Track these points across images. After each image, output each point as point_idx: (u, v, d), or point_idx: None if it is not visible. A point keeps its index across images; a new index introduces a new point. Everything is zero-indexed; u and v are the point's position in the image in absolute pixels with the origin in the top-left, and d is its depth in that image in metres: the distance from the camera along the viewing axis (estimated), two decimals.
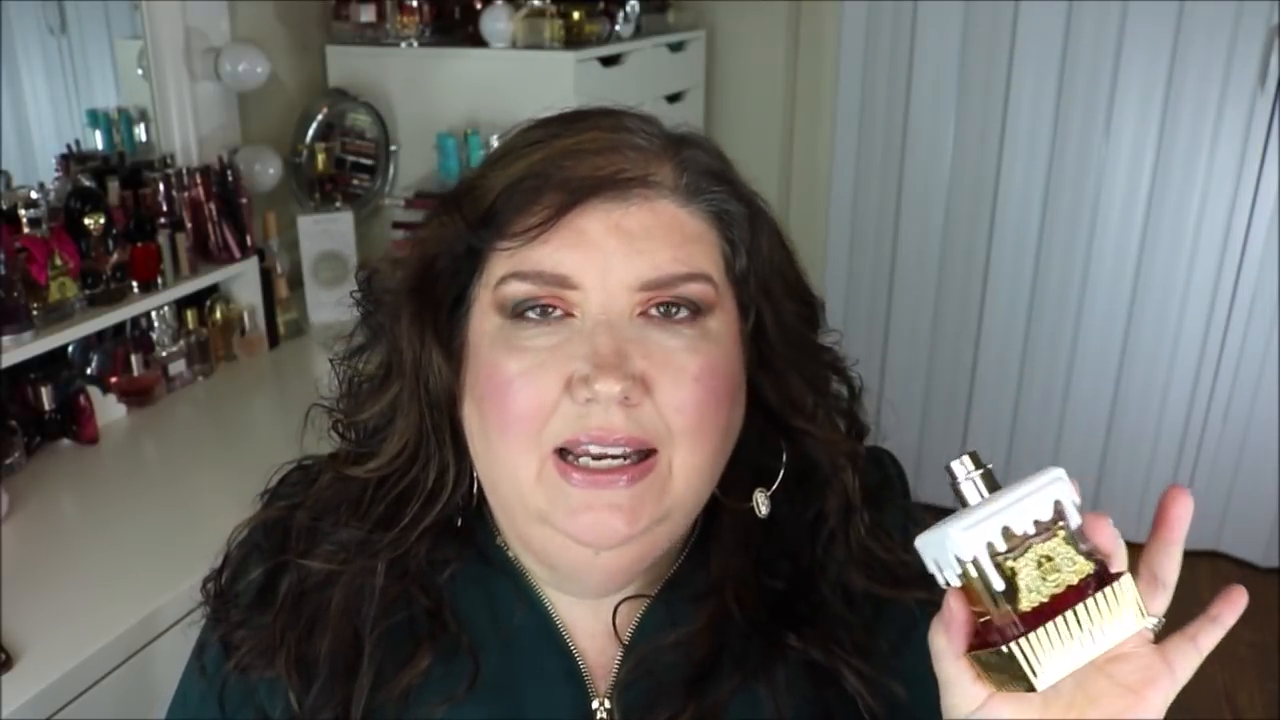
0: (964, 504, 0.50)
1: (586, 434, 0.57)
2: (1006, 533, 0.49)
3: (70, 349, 1.62)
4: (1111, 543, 0.50)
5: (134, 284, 1.64)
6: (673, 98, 2.47)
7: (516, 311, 0.60)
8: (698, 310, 0.61)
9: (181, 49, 1.81)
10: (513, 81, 2.04)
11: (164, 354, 1.74)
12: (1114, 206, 2.57)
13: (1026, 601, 0.48)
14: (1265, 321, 2.52)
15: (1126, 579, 0.49)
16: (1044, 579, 0.49)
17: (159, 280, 1.68)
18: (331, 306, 1.93)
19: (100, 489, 1.47)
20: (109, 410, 1.63)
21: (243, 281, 1.88)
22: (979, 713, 0.50)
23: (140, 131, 1.85)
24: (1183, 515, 0.52)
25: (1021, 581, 0.49)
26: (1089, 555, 0.50)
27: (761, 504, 0.66)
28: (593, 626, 0.67)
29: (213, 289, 1.85)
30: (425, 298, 0.64)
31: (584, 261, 0.59)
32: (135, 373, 1.69)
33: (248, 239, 1.85)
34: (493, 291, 0.61)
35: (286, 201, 2.08)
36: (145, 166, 1.77)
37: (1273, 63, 2.33)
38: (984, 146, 2.64)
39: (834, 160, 2.78)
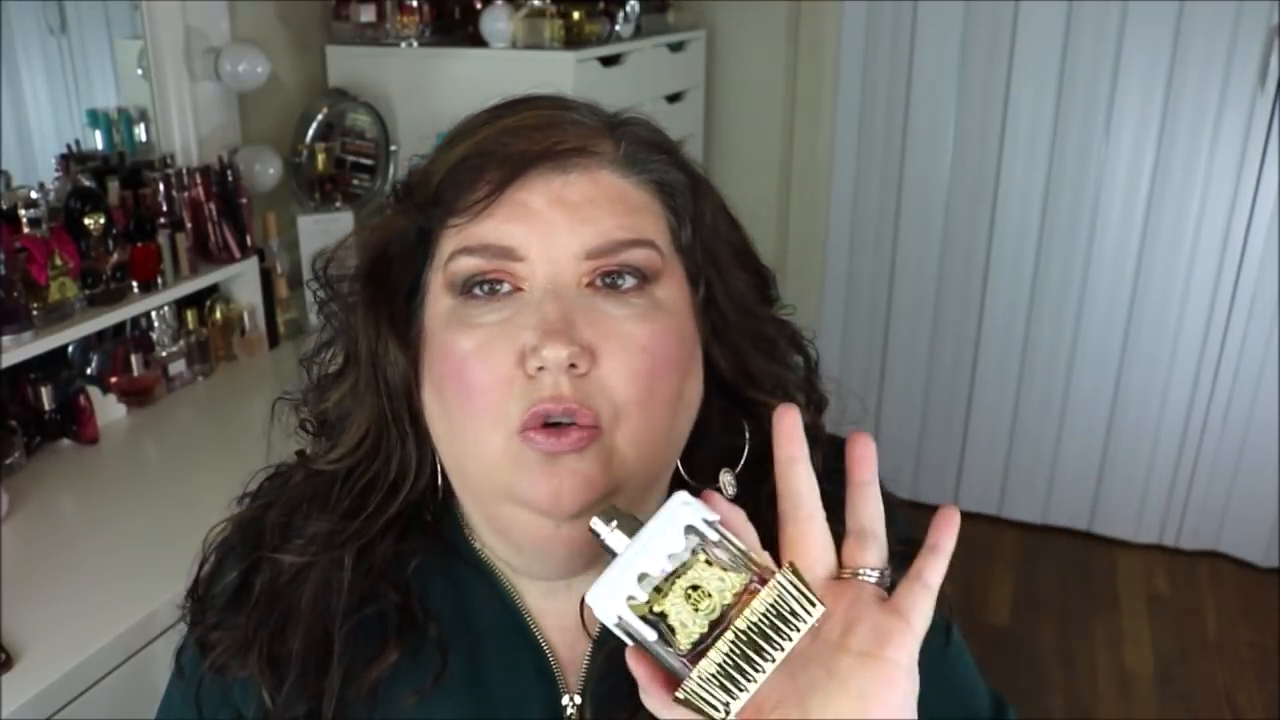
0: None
1: (540, 405, 0.58)
2: (644, 579, 0.48)
3: (70, 349, 1.62)
4: (746, 532, 0.51)
5: (134, 284, 1.65)
6: (673, 98, 2.47)
7: (466, 289, 0.61)
8: (645, 278, 0.61)
9: (181, 49, 1.81)
10: (513, 82, 2.03)
11: (164, 354, 1.74)
12: (1114, 206, 2.57)
13: (685, 640, 0.47)
14: (1265, 321, 2.52)
15: (781, 575, 0.48)
16: (696, 610, 0.47)
17: (159, 280, 1.68)
18: None
19: (100, 489, 1.47)
20: (109, 410, 1.63)
21: (243, 281, 1.88)
22: None
23: (140, 131, 1.85)
24: (865, 455, 0.52)
25: (673, 621, 0.47)
26: (746, 565, 0.48)
27: (728, 485, 0.65)
28: (562, 621, 0.67)
29: (213, 289, 1.86)
30: (379, 285, 0.64)
31: (528, 233, 0.59)
32: (135, 373, 1.69)
33: (248, 239, 1.85)
34: (443, 271, 0.62)
35: (286, 201, 2.08)
36: (145, 166, 1.77)
37: (1273, 63, 2.33)
38: (984, 146, 2.64)
39: (834, 160, 2.78)
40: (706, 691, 0.47)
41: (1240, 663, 2.35)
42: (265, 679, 0.64)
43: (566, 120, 0.63)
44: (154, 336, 1.74)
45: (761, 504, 0.65)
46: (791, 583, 0.48)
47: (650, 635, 0.47)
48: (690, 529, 0.48)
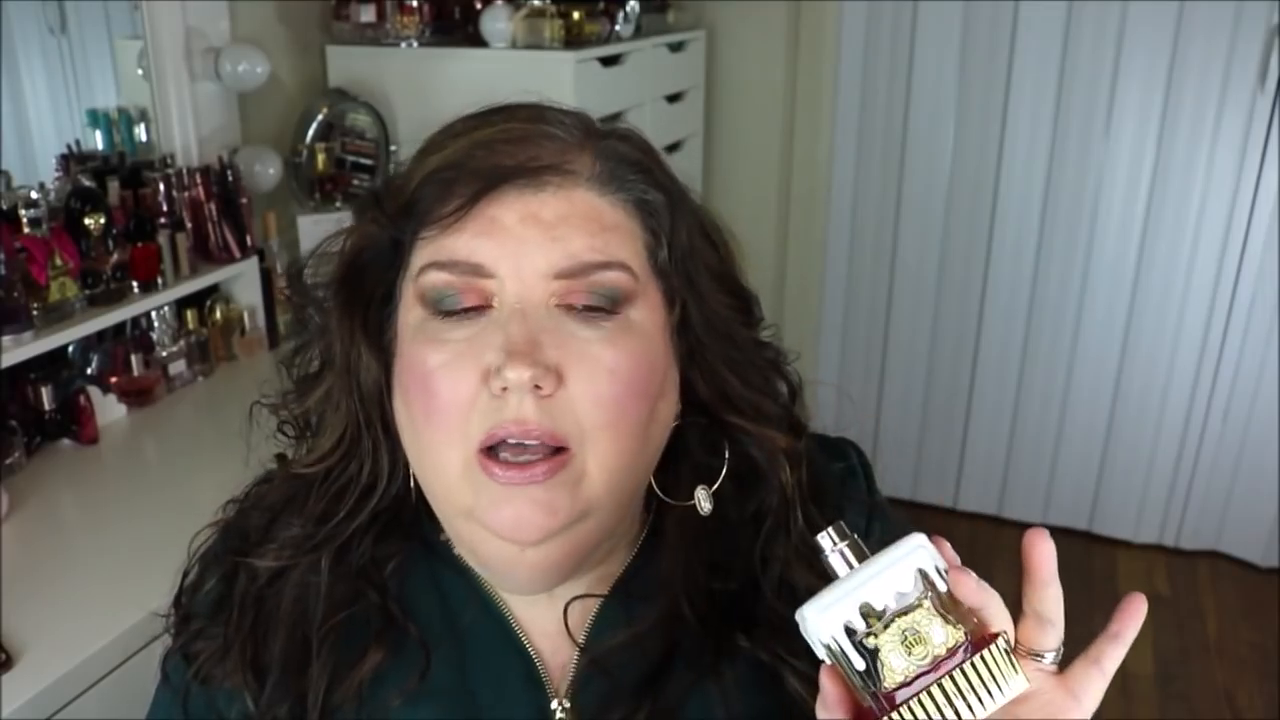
0: (832, 577, 0.50)
1: (502, 427, 0.57)
2: (866, 609, 0.48)
3: (70, 349, 1.62)
4: (977, 597, 0.50)
5: (134, 284, 1.65)
6: (673, 98, 2.46)
7: (436, 303, 0.60)
8: (615, 300, 0.60)
9: (181, 49, 1.81)
10: (513, 82, 2.02)
11: (164, 354, 1.74)
12: (1114, 206, 2.57)
13: (890, 679, 0.48)
14: (1265, 321, 2.52)
15: (999, 643, 0.49)
16: (909, 653, 0.48)
17: (159, 280, 1.68)
18: None
19: (100, 489, 1.47)
20: (109, 410, 1.63)
21: (243, 281, 1.88)
22: None
23: (140, 131, 1.85)
24: (1046, 555, 0.52)
25: (885, 658, 0.48)
26: (961, 621, 0.49)
27: (703, 500, 0.65)
28: (547, 626, 0.67)
29: (213, 289, 1.86)
30: (353, 291, 0.64)
31: (498, 250, 0.59)
32: (135, 373, 1.69)
33: (248, 239, 1.85)
34: (414, 283, 0.61)
35: (286, 201, 2.07)
36: (145, 166, 1.77)
37: (1273, 63, 2.33)
38: (984, 146, 2.64)
39: (834, 160, 2.78)
40: None
41: (1240, 663, 2.35)
42: (248, 684, 0.65)
43: (544, 135, 0.62)
44: (154, 336, 1.74)
45: (745, 523, 0.66)
46: (1006, 652, 0.49)
47: (860, 665, 0.48)
48: (922, 573, 0.49)
